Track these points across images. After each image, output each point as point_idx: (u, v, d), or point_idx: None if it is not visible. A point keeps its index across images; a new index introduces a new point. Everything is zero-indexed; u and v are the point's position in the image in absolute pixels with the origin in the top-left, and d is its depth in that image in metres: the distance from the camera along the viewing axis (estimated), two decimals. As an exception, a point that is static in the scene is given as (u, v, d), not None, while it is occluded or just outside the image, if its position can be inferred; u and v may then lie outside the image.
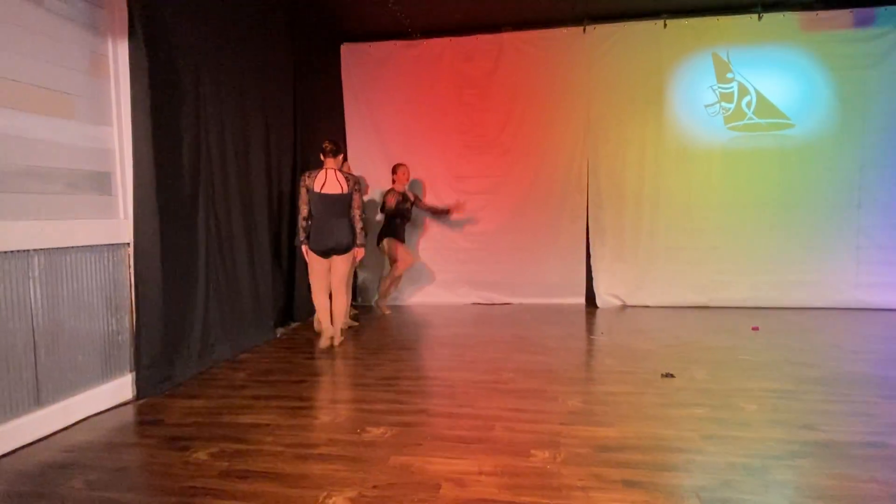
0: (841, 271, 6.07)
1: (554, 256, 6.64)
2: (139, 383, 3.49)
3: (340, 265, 4.75)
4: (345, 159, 5.94)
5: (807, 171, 6.09)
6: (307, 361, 4.31)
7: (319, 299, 4.80)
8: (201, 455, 2.63)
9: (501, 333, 5.22)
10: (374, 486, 2.29)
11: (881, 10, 5.81)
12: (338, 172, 4.68)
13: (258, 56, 4.87)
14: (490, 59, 6.56)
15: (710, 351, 4.44)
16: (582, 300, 6.63)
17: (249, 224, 4.74)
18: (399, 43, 6.69)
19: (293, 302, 5.67)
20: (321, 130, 6.16)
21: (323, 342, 4.72)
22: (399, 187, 6.17)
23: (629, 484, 2.28)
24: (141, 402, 3.44)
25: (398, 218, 6.12)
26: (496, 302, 6.76)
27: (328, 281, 4.79)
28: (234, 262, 4.50)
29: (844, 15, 5.90)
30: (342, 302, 4.85)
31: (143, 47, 3.42)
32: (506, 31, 6.49)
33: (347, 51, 6.82)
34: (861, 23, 5.88)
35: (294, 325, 5.62)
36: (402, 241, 6.21)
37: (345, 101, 6.87)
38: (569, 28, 6.36)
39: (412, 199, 6.26)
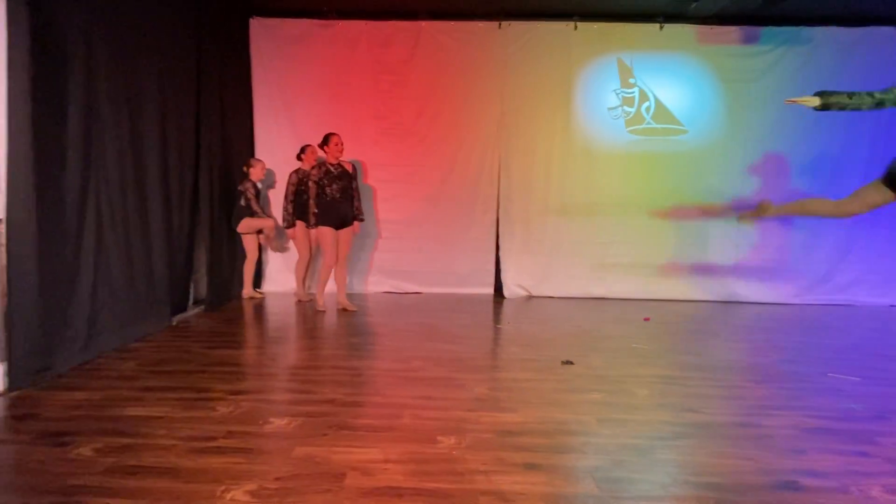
0: (721, 267, 6.63)
1: (465, 247, 6.74)
2: (11, 374, 3.15)
3: None
4: (323, 145, 5.46)
5: (696, 174, 6.57)
6: (206, 351, 4.09)
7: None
8: (84, 451, 2.43)
9: (411, 322, 5.24)
10: (277, 478, 2.22)
11: (765, 29, 6.37)
12: None
13: (158, 24, 4.53)
14: (407, 46, 6.51)
15: (607, 339, 4.70)
16: (491, 290, 6.78)
17: (146, 204, 4.41)
18: (314, 22, 6.47)
19: (193, 287, 5.37)
20: (226, 107, 5.85)
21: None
22: None
23: (530, 467, 2.37)
24: (13, 394, 3.11)
25: None
26: (407, 291, 6.76)
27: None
28: (127, 244, 4.17)
29: (734, 31, 6.40)
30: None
31: (24, 3, 3.07)
32: (423, 19, 6.46)
33: (258, 25, 6.50)
34: (748, 40, 6.41)
35: (193, 311, 5.32)
36: None
37: (253, 78, 6.55)
38: (485, 22, 6.44)
39: None
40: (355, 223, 5.67)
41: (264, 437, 2.61)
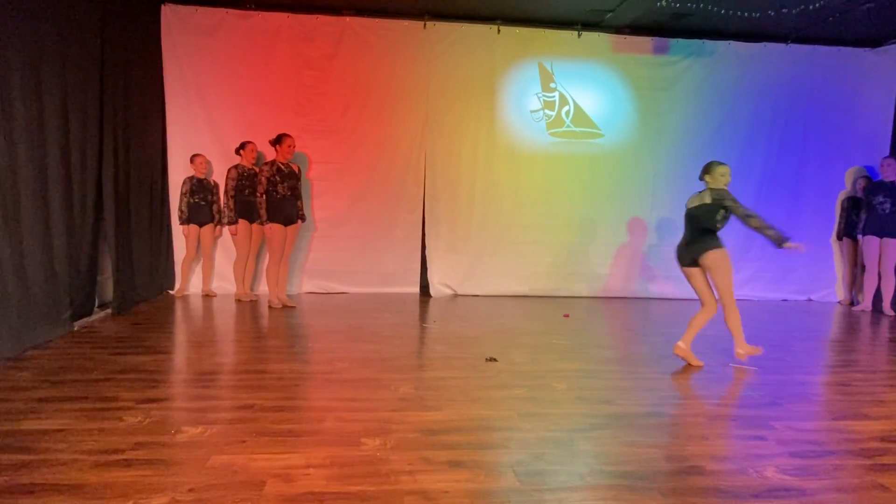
0: (634, 265, 6.99)
1: (390, 246, 6.71)
2: None
3: None
4: (275, 144, 5.62)
5: (611, 177, 6.89)
6: (112, 357, 3.83)
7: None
8: (-31, 471, 2.22)
9: (336, 323, 5.15)
10: (190, 490, 2.12)
11: (674, 41, 6.76)
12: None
13: (59, 5, 4.19)
14: (331, 41, 6.38)
15: (529, 336, 4.83)
16: (416, 289, 6.80)
17: (43, 201, 4.07)
18: (230, 11, 6.20)
19: (98, 290, 5.02)
20: (133, 99, 5.51)
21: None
22: None
23: (454, 464, 2.39)
24: None
25: None
26: (332, 291, 6.65)
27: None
28: (20, 243, 3.83)
29: (646, 42, 6.76)
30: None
31: None
32: (347, 14, 6.36)
33: (170, 12, 6.15)
34: (658, 50, 6.79)
35: (99, 315, 4.97)
36: None
37: (164, 68, 6.18)
38: (410, 21, 6.44)
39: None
40: (298, 222, 5.84)
41: (177, 447, 2.48)
